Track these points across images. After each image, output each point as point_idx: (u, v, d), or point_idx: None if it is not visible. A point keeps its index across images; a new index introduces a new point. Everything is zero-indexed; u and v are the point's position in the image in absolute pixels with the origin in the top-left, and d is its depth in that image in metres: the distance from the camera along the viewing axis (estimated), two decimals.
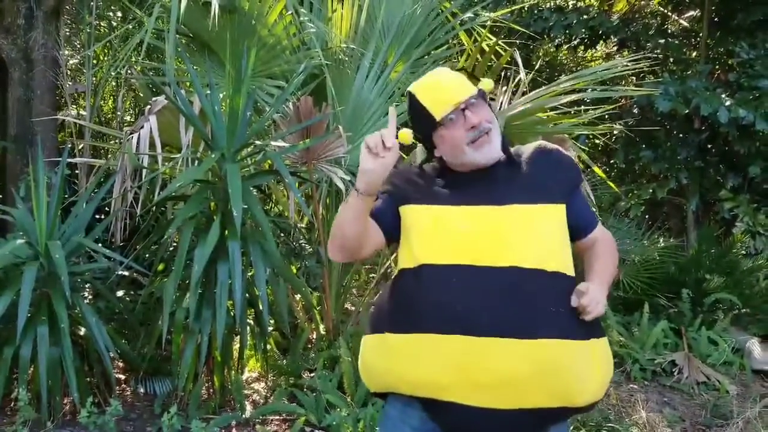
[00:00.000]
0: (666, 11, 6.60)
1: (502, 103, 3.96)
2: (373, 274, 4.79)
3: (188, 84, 3.96)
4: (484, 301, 1.42)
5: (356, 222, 1.54)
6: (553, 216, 1.54)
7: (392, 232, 1.62)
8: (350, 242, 1.58)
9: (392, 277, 1.63)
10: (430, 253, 1.51)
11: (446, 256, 1.48)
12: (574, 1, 7.18)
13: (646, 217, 6.06)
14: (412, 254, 1.54)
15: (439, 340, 1.43)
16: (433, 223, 1.54)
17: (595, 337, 1.50)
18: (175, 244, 3.29)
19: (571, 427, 3.16)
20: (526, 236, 1.49)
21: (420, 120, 1.60)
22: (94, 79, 4.51)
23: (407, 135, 1.53)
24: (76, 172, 4.19)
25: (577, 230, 1.60)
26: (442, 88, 1.57)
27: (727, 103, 4.81)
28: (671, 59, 6.21)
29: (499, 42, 4.48)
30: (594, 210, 1.67)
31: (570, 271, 1.51)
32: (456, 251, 1.48)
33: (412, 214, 1.59)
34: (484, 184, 1.56)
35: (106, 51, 5.31)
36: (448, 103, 1.55)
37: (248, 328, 3.28)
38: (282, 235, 3.60)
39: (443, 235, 1.51)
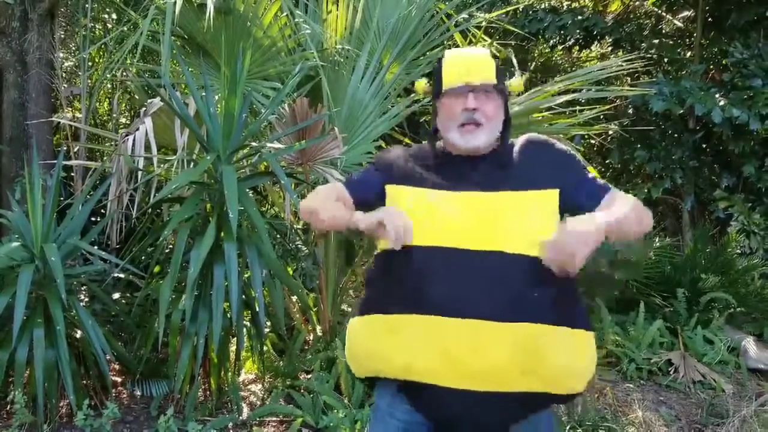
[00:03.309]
0: (660, 12, 6.62)
1: None
2: None
3: (183, 86, 3.95)
4: (467, 283, 1.43)
5: (336, 221, 1.58)
6: (543, 202, 1.53)
7: (364, 203, 1.62)
8: (322, 224, 1.61)
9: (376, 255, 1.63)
10: (415, 234, 1.50)
11: (431, 237, 1.49)
12: (569, 2, 7.20)
13: None
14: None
15: (422, 320, 1.44)
16: (421, 206, 1.54)
17: (581, 328, 1.49)
18: (171, 246, 3.28)
19: (568, 427, 3.16)
20: (513, 222, 1.48)
21: (436, 81, 1.64)
22: (89, 81, 4.50)
23: (422, 85, 1.67)
24: (72, 174, 4.18)
25: (588, 203, 1.53)
26: (465, 63, 1.59)
27: (721, 103, 4.83)
28: (665, 59, 6.23)
29: (494, 43, 4.49)
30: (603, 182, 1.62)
31: None
32: (441, 234, 1.49)
33: (400, 195, 1.59)
34: (475, 170, 1.58)
35: (101, 53, 5.30)
36: (460, 78, 1.57)
37: (245, 329, 3.28)
38: (278, 236, 3.60)
39: (430, 218, 1.52)
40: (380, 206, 1.58)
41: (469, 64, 1.59)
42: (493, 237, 1.47)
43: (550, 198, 1.53)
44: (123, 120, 5.35)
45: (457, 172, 1.58)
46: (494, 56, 1.64)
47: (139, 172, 3.40)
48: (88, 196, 3.43)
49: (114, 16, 5.16)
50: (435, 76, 1.64)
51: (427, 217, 1.52)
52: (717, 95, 4.97)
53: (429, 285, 1.46)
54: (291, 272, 3.78)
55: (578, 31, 6.10)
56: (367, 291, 1.62)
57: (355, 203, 1.65)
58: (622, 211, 1.46)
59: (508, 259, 1.45)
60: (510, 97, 1.68)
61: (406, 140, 4.41)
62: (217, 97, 3.49)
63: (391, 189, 1.62)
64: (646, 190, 5.53)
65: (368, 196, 1.64)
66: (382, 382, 1.59)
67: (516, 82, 1.65)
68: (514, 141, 1.68)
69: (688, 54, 6.32)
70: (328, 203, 1.61)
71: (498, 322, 1.40)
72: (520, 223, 1.48)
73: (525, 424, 1.50)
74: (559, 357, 1.44)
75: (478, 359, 1.41)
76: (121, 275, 3.60)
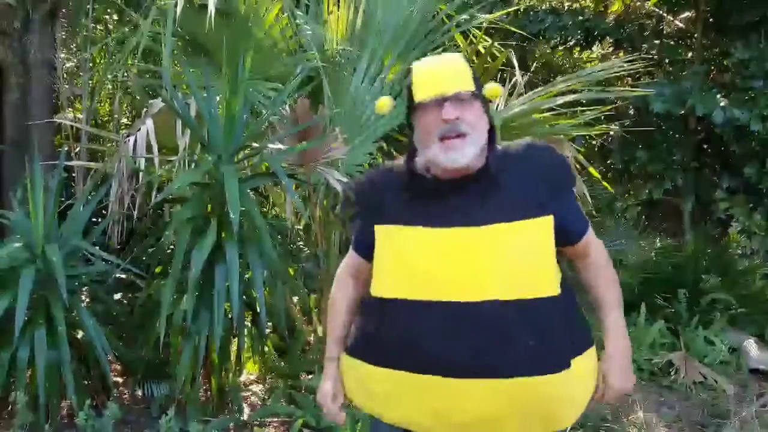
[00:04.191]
0: (661, 12, 6.62)
1: (498, 105, 3.97)
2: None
3: (185, 87, 3.95)
4: (459, 340, 1.33)
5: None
6: (537, 232, 1.40)
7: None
8: None
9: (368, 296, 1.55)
10: (399, 285, 1.41)
11: (417, 290, 1.38)
12: (570, 3, 7.20)
13: (643, 217, 6.07)
14: (382, 282, 1.47)
15: (413, 379, 1.37)
16: (404, 249, 1.42)
17: (578, 355, 1.42)
18: (172, 246, 3.28)
19: (569, 428, 3.16)
20: (506, 262, 1.36)
21: (407, 97, 1.49)
22: (90, 82, 4.51)
23: (385, 103, 1.56)
24: (73, 175, 4.18)
25: (566, 236, 1.46)
26: (435, 73, 1.44)
27: (722, 104, 4.83)
28: (666, 60, 6.23)
29: (495, 44, 4.48)
30: (583, 213, 1.57)
31: (553, 290, 1.40)
32: (427, 285, 1.37)
33: (383, 235, 1.48)
34: (461, 196, 1.42)
35: (102, 54, 5.30)
36: (432, 90, 1.41)
37: (246, 330, 3.28)
38: (279, 237, 3.60)
39: (414, 265, 1.40)
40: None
41: (440, 74, 1.44)
42: (483, 283, 1.35)
43: (545, 226, 1.41)
44: (124, 121, 5.35)
45: (443, 199, 1.43)
46: (470, 60, 1.50)
47: (141, 173, 3.40)
48: (89, 197, 3.43)
49: (115, 17, 5.17)
50: (407, 91, 1.48)
51: (411, 263, 1.40)
52: (718, 96, 4.97)
53: (417, 343, 1.36)
54: (292, 273, 3.78)
55: (579, 31, 6.10)
56: (358, 329, 1.54)
57: (369, 260, 1.55)
58: (613, 288, 1.56)
59: (501, 308, 1.33)
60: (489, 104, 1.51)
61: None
62: (218, 98, 3.49)
63: (378, 229, 1.50)
64: (647, 191, 5.53)
65: (372, 250, 1.53)
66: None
67: (491, 87, 1.48)
68: (509, 145, 1.53)
69: (689, 55, 6.32)
70: (333, 311, 1.69)
71: (495, 378, 1.32)
72: (515, 261, 1.36)
73: None
74: (559, 403, 1.38)
75: (475, 418, 1.34)
76: (123, 276, 3.60)
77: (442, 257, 1.38)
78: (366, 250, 1.55)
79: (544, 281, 1.40)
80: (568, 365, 1.39)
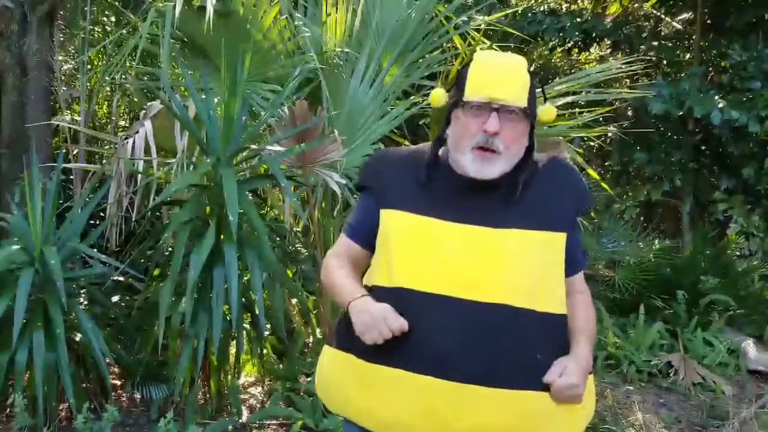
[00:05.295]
0: (659, 14, 6.64)
1: None
2: None
3: (183, 88, 3.95)
4: (466, 341, 1.27)
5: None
6: (553, 246, 1.38)
7: (374, 245, 1.46)
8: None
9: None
10: (410, 275, 1.34)
11: (429, 282, 1.30)
12: (568, 4, 7.21)
13: (641, 218, 6.08)
14: (389, 270, 1.36)
15: (410, 378, 1.28)
16: (419, 239, 1.35)
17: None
18: (170, 249, 3.28)
19: None
20: (521, 268, 1.32)
21: (457, 86, 1.40)
22: (88, 84, 4.50)
23: (439, 95, 1.48)
24: (71, 177, 4.18)
25: (567, 265, 1.43)
26: (495, 74, 1.35)
27: (720, 105, 4.84)
28: (665, 62, 6.24)
29: (494, 46, 4.49)
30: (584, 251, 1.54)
31: (562, 309, 1.38)
32: (441, 278, 1.30)
33: (395, 221, 1.40)
34: (483, 198, 1.38)
35: (100, 56, 5.30)
36: (486, 91, 1.34)
37: (244, 332, 3.27)
38: (278, 239, 3.60)
39: (428, 256, 1.33)
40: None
41: (499, 76, 1.35)
42: (498, 285, 1.30)
43: (558, 242, 1.39)
44: (122, 123, 5.35)
45: (461, 196, 1.38)
46: (531, 72, 1.40)
47: (139, 175, 3.40)
48: (87, 199, 3.43)
49: (113, 19, 5.16)
50: (458, 79, 1.41)
51: (425, 253, 1.34)
52: (716, 97, 4.98)
53: (422, 339, 1.28)
54: (291, 275, 3.78)
55: (577, 33, 6.11)
56: (350, 321, 1.39)
57: (366, 248, 1.49)
58: (592, 324, 1.47)
59: (513, 314, 1.29)
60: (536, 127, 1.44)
61: (406, 142, 4.41)
62: (216, 100, 3.49)
63: (387, 214, 1.42)
64: (645, 192, 5.53)
65: (371, 240, 1.46)
66: (350, 424, 1.43)
67: (546, 110, 1.44)
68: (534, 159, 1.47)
69: (687, 56, 6.33)
70: (331, 285, 1.49)
71: (498, 388, 1.26)
72: (528, 269, 1.33)
73: None
74: (558, 426, 1.34)
75: (470, 428, 1.26)
76: (121, 278, 3.59)
77: (459, 250, 1.32)
78: (364, 235, 1.47)
79: (552, 296, 1.36)
80: None
